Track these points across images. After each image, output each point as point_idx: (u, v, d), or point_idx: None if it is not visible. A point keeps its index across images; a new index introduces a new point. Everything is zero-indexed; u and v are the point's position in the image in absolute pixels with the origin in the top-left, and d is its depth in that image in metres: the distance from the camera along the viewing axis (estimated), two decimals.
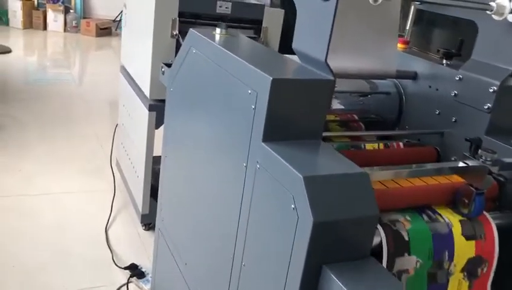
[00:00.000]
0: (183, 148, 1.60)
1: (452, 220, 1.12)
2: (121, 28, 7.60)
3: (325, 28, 1.05)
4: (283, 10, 2.50)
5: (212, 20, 2.40)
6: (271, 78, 1.02)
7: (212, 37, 1.40)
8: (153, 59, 2.30)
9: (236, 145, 1.17)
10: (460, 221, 1.12)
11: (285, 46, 2.87)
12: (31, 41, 6.92)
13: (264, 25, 2.47)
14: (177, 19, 2.27)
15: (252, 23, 2.50)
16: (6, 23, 7.18)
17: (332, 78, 1.08)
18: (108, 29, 7.62)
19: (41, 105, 4.36)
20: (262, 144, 1.06)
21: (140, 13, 2.47)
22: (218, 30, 1.43)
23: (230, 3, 2.36)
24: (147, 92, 2.39)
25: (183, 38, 2.29)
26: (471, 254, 1.12)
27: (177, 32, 2.29)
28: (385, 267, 1.00)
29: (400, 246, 1.03)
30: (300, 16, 1.15)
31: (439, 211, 1.14)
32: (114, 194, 2.86)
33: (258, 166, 1.08)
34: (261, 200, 1.07)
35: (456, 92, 1.45)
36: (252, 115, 1.09)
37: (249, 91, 1.10)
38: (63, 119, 4.10)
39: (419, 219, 1.09)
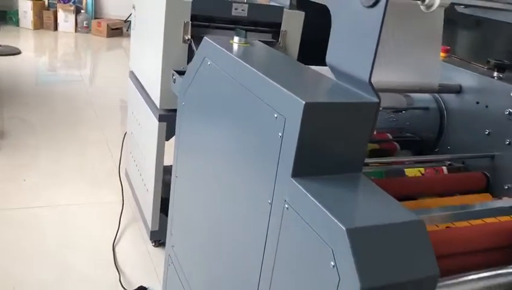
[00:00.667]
0: (197, 172, 1.43)
1: None
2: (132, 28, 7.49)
3: (370, 40, 0.86)
4: (303, 12, 2.31)
5: (227, 23, 2.23)
6: (304, 102, 0.84)
7: (230, 48, 1.22)
8: (163, 66, 2.13)
9: (260, 177, 0.99)
10: None
11: (302, 51, 2.72)
12: (41, 42, 6.80)
13: (283, 28, 2.28)
14: (190, 22, 2.10)
15: (270, 26, 2.31)
16: (17, 23, 7.07)
17: (377, 100, 0.89)
18: (119, 30, 7.49)
19: (50, 108, 4.22)
20: (292, 179, 0.88)
21: (150, 16, 2.30)
22: (236, 39, 1.26)
23: (247, 5, 2.18)
24: (156, 101, 2.22)
25: (196, 43, 2.13)
26: None
27: (190, 37, 2.11)
28: None
29: None
30: (336, 25, 0.96)
31: None
32: (122, 208, 2.70)
33: (286, 206, 0.90)
34: (289, 247, 0.89)
35: (510, 110, 1.25)
36: (279, 144, 0.91)
37: (275, 115, 0.93)
38: (71, 123, 3.96)
39: None
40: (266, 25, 2.31)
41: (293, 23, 2.30)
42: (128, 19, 7.42)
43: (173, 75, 2.08)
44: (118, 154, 2.97)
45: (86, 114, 4.25)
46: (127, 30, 7.48)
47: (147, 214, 2.45)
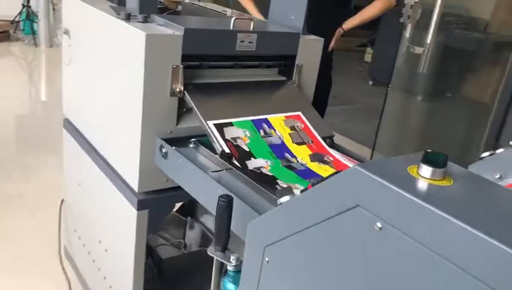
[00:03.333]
0: None
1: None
2: (24, 31, 6.26)
3: None
4: (322, 39, 1.71)
5: (224, 59, 1.56)
6: None
7: (424, 193, 0.60)
8: (143, 134, 1.42)
9: None
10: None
11: None
12: None
13: (298, 62, 1.66)
14: (181, 67, 1.40)
15: (280, 59, 1.69)
16: None
17: None
18: (6, 33, 6.23)
19: None
20: None
21: (113, 55, 1.55)
22: (426, 170, 0.63)
23: (256, 35, 1.53)
24: (133, 183, 1.50)
25: (190, 95, 1.44)
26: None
27: (182, 88, 1.42)
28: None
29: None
30: None
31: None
32: None
33: None
34: None
35: None
36: None
37: None
38: None
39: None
40: (274, 58, 1.67)
41: (311, 54, 1.69)
42: (17, 19, 6.21)
43: (162, 147, 1.39)
44: (43, 217, 2.14)
45: None
46: (15, 32, 6.27)
47: None
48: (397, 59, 2.74)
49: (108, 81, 1.58)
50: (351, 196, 0.62)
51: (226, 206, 1.02)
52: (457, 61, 3.27)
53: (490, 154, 1.26)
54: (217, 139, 1.33)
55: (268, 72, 1.70)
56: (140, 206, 1.50)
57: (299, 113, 1.55)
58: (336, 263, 0.66)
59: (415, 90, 3.18)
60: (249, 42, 1.52)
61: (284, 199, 0.78)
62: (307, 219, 0.69)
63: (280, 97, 1.62)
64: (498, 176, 1.19)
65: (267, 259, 0.78)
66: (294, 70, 1.67)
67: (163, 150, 1.39)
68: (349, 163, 1.42)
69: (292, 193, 0.79)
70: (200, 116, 1.38)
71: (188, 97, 1.42)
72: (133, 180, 1.48)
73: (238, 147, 1.34)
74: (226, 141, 1.33)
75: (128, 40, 1.40)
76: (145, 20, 1.47)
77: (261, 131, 1.42)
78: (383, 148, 3.07)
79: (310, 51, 1.68)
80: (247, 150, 1.34)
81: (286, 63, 1.69)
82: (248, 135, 1.39)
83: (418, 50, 2.72)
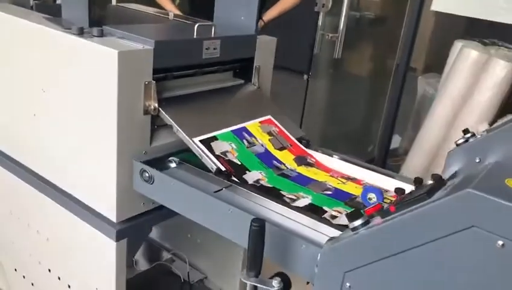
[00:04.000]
0: None
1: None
2: None
3: None
4: (275, 38, 1.70)
5: (191, 69, 1.48)
6: None
7: None
8: (118, 159, 1.30)
9: None
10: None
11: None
12: None
13: (256, 63, 1.64)
14: (153, 82, 1.30)
15: (237, 62, 1.64)
16: None
17: None
18: None
19: None
20: None
21: (69, 74, 1.37)
22: None
23: (219, 41, 1.47)
24: (109, 213, 1.37)
25: (165, 112, 1.34)
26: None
27: (156, 104, 1.32)
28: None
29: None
30: None
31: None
32: None
33: None
34: None
35: None
36: None
37: None
38: None
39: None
40: (233, 62, 1.63)
41: (266, 55, 1.68)
42: None
43: (144, 172, 1.29)
44: None
45: None
46: None
47: None
48: (315, 47, 2.83)
49: (66, 105, 1.40)
50: (465, 218, 0.64)
51: (259, 231, 0.98)
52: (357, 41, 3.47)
53: (465, 141, 1.37)
54: (209, 157, 1.26)
55: (224, 77, 1.65)
56: (120, 236, 1.38)
57: (270, 117, 1.54)
58: (447, 282, 0.68)
59: (333, 75, 3.33)
60: (214, 49, 1.46)
61: (357, 222, 0.77)
62: (405, 242, 0.69)
63: (247, 102, 1.59)
64: (478, 160, 1.30)
65: (348, 284, 0.77)
66: (253, 73, 1.64)
67: (147, 174, 1.29)
68: (328, 163, 1.45)
69: (362, 215, 0.79)
70: (183, 134, 1.30)
71: (164, 114, 1.32)
72: (110, 210, 1.36)
73: (230, 161, 1.29)
74: (217, 157, 1.28)
75: (95, 59, 1.25)
76: (101, 34, 1.33)
77: (245, 141, 1.39)
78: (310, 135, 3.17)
79: (265, 52, 1.66)
80: (239, 163, 1.30)
81: (242, 66, 1.66)
82: (234, 147, 1.34)
83: (333, 37, 2.84)
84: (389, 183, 1.34)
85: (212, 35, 1.47)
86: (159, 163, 1.33)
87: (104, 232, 1.39)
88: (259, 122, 1.49)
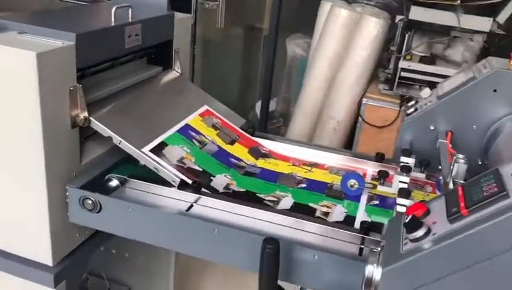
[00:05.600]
0: None
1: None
2: None
3: None
4: (191, 15, 1.49)
5: (112, 60, 1.22)
6: None
7: None
8: (49, 188, 1.02)
9: None
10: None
11: None
12: None
13: (176, 46, 1.42)
14: (79, 87, 1.03)
15: (155, 47, 1.41)
16: None
17: None
18: None
19: None
20: None
21: None
22: None
23: (140, 25, 1.22)
24: (42, 257, 1.08)
25: (99, 121, 1.08)
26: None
27: (86, 114, 1.05)
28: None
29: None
30: None
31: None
32: None
33: None
34: None
35: None
36: None
37: None
38: None
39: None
40: (149, 48, 1.39)
41: (184, 36, 1.47)
42: None
43: (86, 199, 1.05)
44: None
45: None
46: None
47: None
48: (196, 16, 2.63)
49: None
50: None
51: (274, 253, 0.85)
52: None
53: (414, 110, 1.37)
54: (167, 169, 1.06)
55: (138, 65, 1.41)
56: (58, 280, 1.11)
57: (207, 107, 1.36)
58: None
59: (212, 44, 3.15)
60: (136, 35, 1.22)
61: (419, 233, 0.69)
62: (490, 249, 0.63)
63: (177, 93, 1.39)
64: (432, 127, 1.31)
65: None
66: (174, 57, 1.43)
67: (90, 202, 1.03)
68: (280, 151, 1.35)
69: (422, 223, 0.70)
70: (129, 145, 1.06)
71: (98, 124, 1.07)
72: (43, 252, 1.07)
73: (191, 169, 1.10)
74: (176, 167, 1.08)
75: (6, 65, 0.94)
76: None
77: (195, 141, 1.20)
78: None
79: (183, 33, 1.46)
80: (201, 169, 1.12)
81: (158, 50, 1.43)
82: (188, 151, 1.15)
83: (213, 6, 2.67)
84: (352, 163, 1.29)
85: (130, 19, 1.21)
86: (100, 185, 1.08)
87: (38, 280, 1.10)
88: (199, 114, 1.31)
